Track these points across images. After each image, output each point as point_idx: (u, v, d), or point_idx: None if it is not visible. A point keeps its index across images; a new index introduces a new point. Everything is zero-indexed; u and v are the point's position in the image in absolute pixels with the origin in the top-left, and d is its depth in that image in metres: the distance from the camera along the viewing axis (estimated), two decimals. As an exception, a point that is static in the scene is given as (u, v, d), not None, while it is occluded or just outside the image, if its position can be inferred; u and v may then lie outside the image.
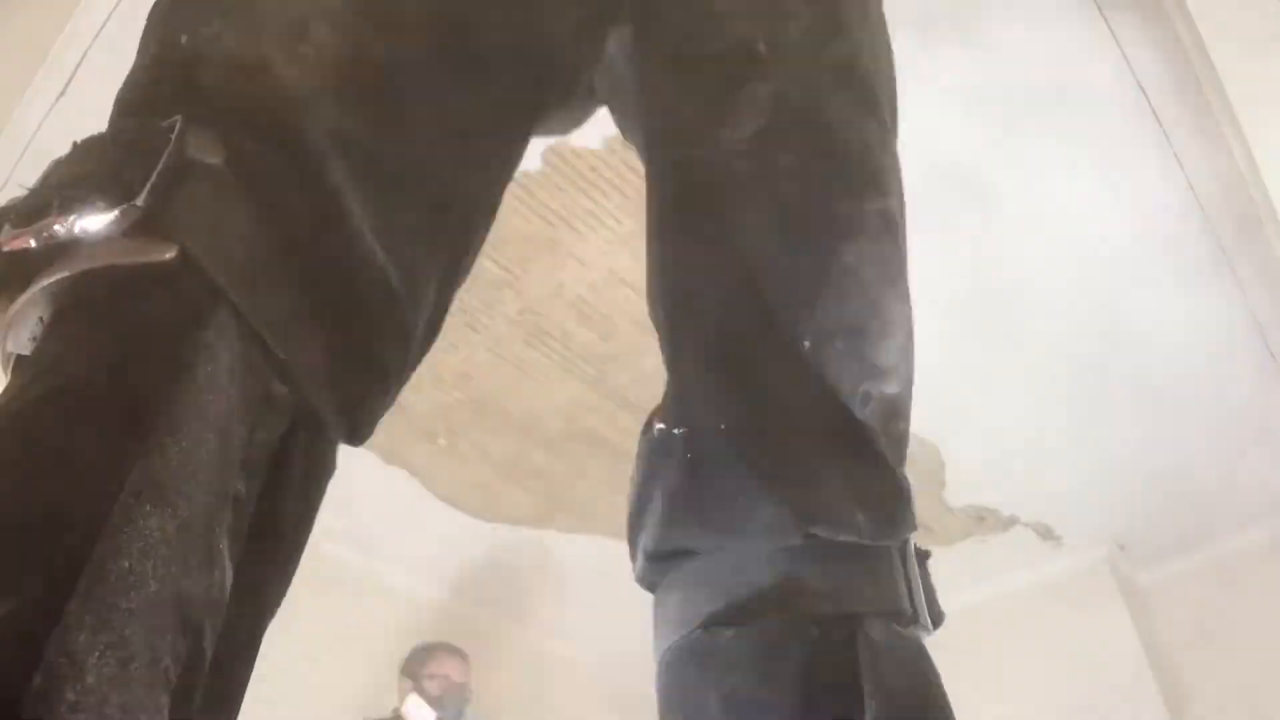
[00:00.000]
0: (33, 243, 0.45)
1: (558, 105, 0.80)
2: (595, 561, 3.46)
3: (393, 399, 0.62)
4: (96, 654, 0.35)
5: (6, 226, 0.46)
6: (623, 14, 0.78)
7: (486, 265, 2.51)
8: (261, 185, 0.51)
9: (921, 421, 2.62)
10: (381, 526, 3.53)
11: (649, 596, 0.64)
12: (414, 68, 0.62)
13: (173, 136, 0.48)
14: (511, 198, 2.34)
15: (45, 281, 0.45)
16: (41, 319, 0.47)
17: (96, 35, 2.00)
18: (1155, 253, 2.41)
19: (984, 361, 2.76)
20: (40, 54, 1.99)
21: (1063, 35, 1.96)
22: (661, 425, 0.64)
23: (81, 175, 0.48)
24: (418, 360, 0.66)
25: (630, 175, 2.28)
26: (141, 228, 0.45)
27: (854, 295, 0.66)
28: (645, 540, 0.63)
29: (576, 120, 0.91)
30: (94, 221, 0.45)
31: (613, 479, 3.29)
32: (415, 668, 3.01)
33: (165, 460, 0.41)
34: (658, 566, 0.62)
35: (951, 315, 2.62)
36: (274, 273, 0.50)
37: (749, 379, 0.63)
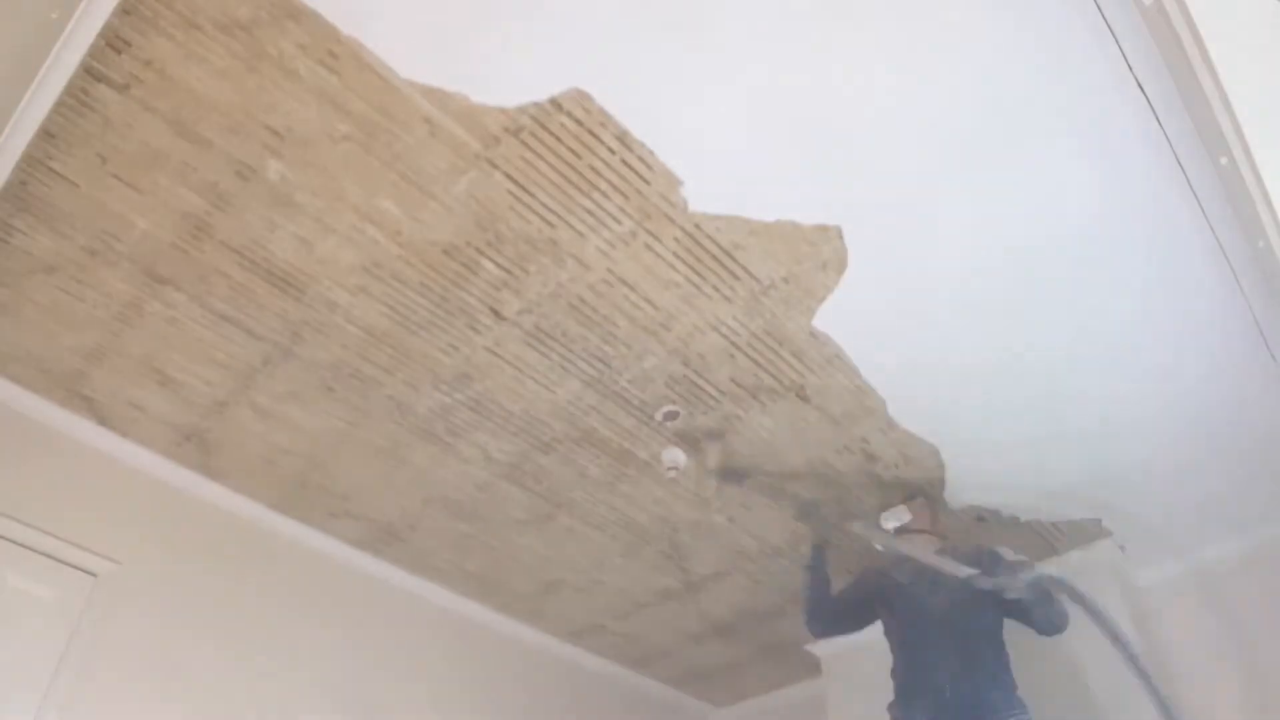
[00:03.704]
0: None
1: None
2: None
3: None
4: None
5: None
6: None
7: (486, 265, 2.51)
8: None
9: (922, 423, 2.66)
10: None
11: None
12: None
13: None
14: (511, 198, 2.34)
15: None
16: None
17: (98, 34, 2.00)
18: (1154, 254, 2.41)
19: (984, 363, 2.75)
20: (42, 54, 1.99)
21: (1060, 34, 1.96)
22: None
23: None
24: None
25: (630, 175, 2.28)
26: None
27: None
28: None
29: None
30: None
31: (613, 479, 3.29)
32: None
33: None
34: None
35: (951, 316, 2.62)
36: None
37: None
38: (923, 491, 3.31)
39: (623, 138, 2.20)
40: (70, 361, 2.89)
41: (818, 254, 2.46)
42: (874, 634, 4.05)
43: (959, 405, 2.92)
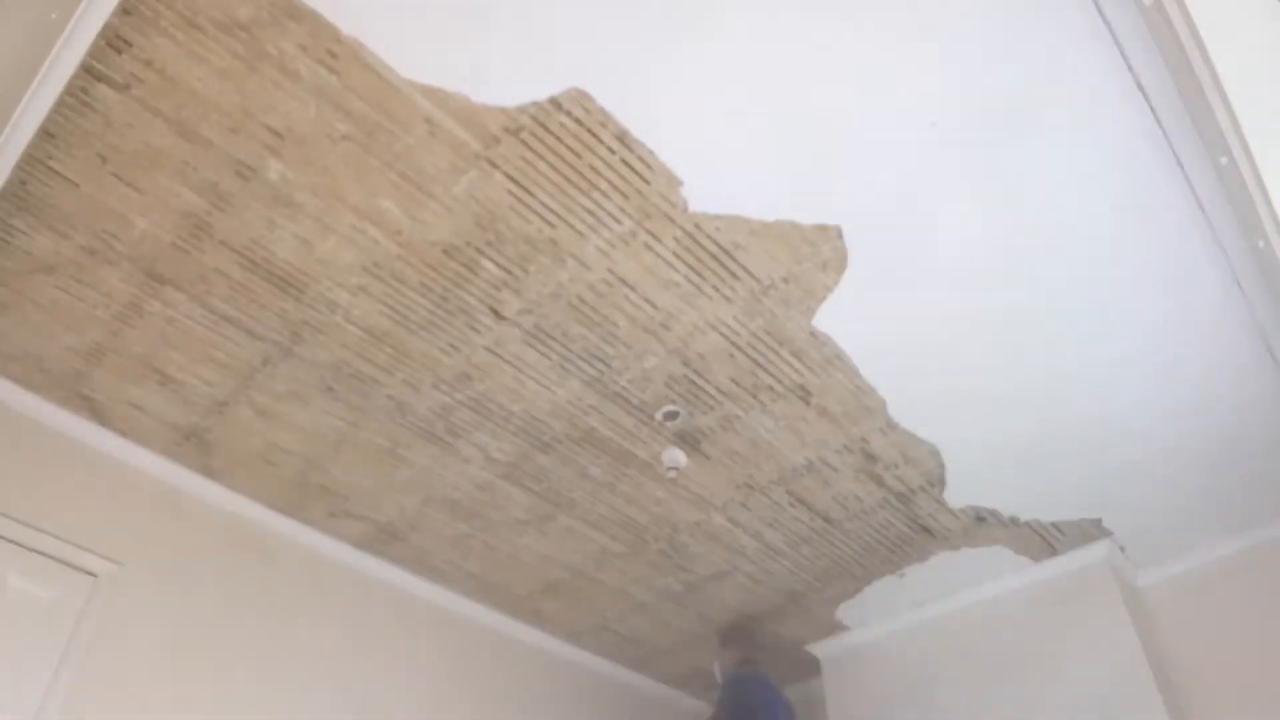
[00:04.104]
0: None
1: None
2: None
3: None
4: None
5: None
6: None
7: (486, 265, 2.51)
8: None
9: (922, 423, 2.67)
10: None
11: None
12: None
13: None
14: (511, 198, 2.34)
15: None
16: None
17: (98, 34, 2.00)
18: (1154, 253, 2.41)
19: (984, 363, 2.76)
20: (42, 54, 1.99)
21: (1060, 34, 1.96)
22: None
23: None
24: None
25: (630, 175, 2.28)
26: None
27: None
28: None
29: None
30: None
31: (613, 479, 3.29)
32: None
33: None
34: None
35: (951, 315, 2.62)
36: None
37: None
38: (726, 633, 4.04)
39: (623, 137, 2.21)
40: (70, 361, 2.89)
41: (818, 254, 2.46)
42: (874, 634, 4.07)
43: (959, 405, 2.92)
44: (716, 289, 2.57)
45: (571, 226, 2.40)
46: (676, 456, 3.11)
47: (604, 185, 2.31)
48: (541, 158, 2.25)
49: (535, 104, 2.14)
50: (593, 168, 2.27)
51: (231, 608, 3.26)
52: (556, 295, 2.59)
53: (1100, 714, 3.19)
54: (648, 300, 2.60)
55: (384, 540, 3.68)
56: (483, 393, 2.93)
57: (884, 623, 4.05)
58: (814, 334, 2.70)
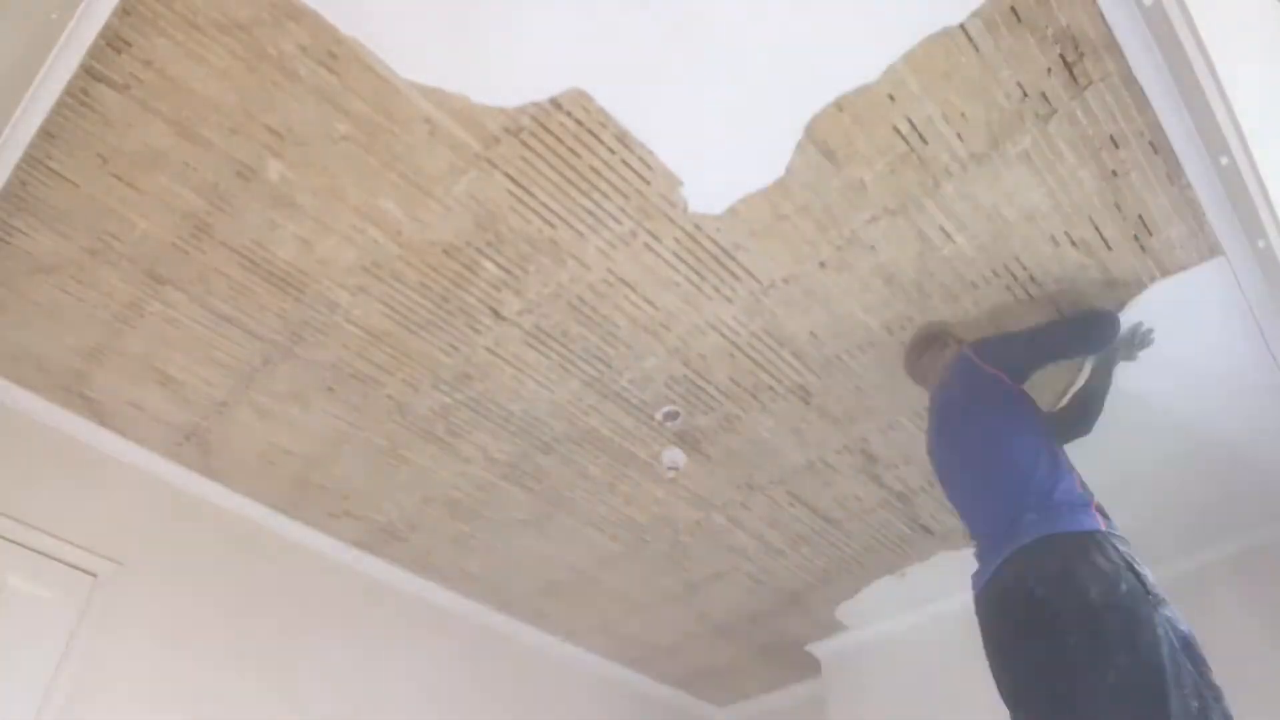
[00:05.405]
0: None
1: None
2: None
3: None
4: None
5: None
6: None
7: (486, 265, 2.51)
8: None
9: (922, 422, 2.63)
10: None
11: None
12: None
13: None
14: (511, 198, 2.33)
15: None
16: None
17: (98, 34, 2.00)
18: (1152, 255, 2.41)
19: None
20: (42, 54, 1.99)
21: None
22: None
23: None
24: None
25: (630, 175, 2.28)
26: None
27: None
28: None
29: None
30: None
31: (613, 479, 3.29)
32: None
33: None
34: None
35: (950, 315, 2.62)
36: None
37: None
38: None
39: (623, 138, 2.20)
40: (70, 361, 2.89)
41: (817, 254, 2.46)
42: (874, 634, 4.07)
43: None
44: (716, 289, 2.57)
45: (571, 227, 2.40)
46: (676, 457, 3.11)
47: (604, 185, 2.30)
48: (541, 158, 2.25)
49: (535, 104, 2.14)
50: (593, 168, 2.27)
51: (231, 607, 3.26)
52: (556, 295, 2.59)
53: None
54: (648, 300, 2.60)
55: (384, 540, 3.68)
56: (483, 393, 2.93)
57: (884, 623, 4.05)
58: (814, 334, 2.70)
